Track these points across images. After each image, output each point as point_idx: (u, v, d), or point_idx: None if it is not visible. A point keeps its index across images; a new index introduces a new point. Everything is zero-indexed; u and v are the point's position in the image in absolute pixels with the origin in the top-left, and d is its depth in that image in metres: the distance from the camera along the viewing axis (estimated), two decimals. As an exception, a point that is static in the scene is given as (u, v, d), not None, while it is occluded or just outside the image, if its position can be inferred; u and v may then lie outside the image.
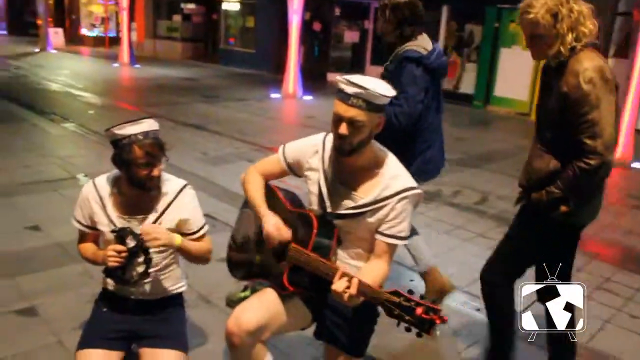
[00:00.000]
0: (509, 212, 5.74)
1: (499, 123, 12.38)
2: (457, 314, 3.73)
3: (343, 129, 2.14)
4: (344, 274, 2.07)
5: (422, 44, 3.44)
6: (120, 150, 2.49)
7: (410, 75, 3.34)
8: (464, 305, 3.87)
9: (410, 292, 1.97)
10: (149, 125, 2.52)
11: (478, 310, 3.79)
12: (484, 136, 10.67)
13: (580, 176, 2.47)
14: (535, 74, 12.59)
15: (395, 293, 1.96)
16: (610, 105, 2.44)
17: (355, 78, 2.14)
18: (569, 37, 2.48)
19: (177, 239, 2.59)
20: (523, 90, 13.05)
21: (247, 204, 2.61)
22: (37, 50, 22.83)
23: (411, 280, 4.18)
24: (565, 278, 2.68)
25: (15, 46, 24.03)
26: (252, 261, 2.52)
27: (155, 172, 2.54)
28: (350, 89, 2.11)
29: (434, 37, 15.20)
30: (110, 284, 2.73)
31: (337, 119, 2.16)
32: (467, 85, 14.34)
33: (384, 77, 3.41)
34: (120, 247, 2.48)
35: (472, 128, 11.39)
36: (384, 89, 2.13)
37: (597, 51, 2.54)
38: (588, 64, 2.44)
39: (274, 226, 2.29)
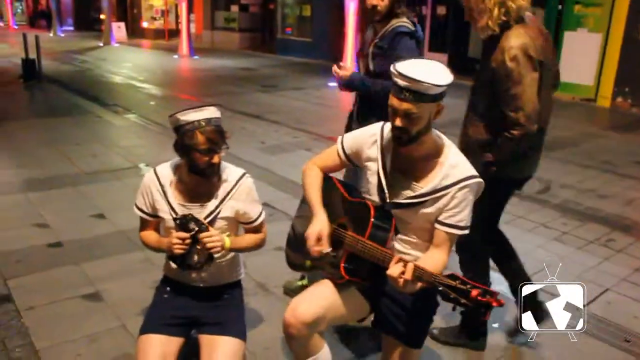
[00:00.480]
0: (573, 202, 5.66)
1: (563, 110, 11.89)
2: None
3: (399, 121, 2.12)
4: (399, 260, 2.05)
5: (407, 20, 3.45)
6: (183, 136, 2.53)
7: (406, 47, 3.34)
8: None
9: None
10: (211, 112, 2.56)
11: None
12: (547, 123, 10.27)
13: (507, 145, 2.73)
14: (602, 58, 12.09)
15: (452, 276, 1.93)
16: (532, 80, 2.63)
17: (406, 68, 2.07)
18: (496, 12, 2.63)
19: (227, 243, 2.62)
20: (588, 75, 12.50)
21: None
22: (101, 44, 23.56)
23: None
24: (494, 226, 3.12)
25: (81, 41, 24.88)
26: (304, 264, 2.55)
27: (216, 159, 2.56)
28: (401, 82, 2.07)
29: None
30: (172, 271, 2.79)
31: (393, 112, 2.14)
32: (529, 71, 13.87)
33: (376, 55, 3.43)
34: (184, 235, 2.52)
35: (534, 115, 11.00)
36: (435, 78, 2.06)
37: (529, 26, 2.70)
38: (514, 42, 2.62)
39: (318, 232, 2.30)
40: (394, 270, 2.03)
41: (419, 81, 2.03)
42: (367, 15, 3.52)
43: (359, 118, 3.56)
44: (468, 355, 3.14)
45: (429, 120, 2.15)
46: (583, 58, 12.51)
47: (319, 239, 2.29)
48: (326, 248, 2.29)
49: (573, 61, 12.73)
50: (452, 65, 15.93)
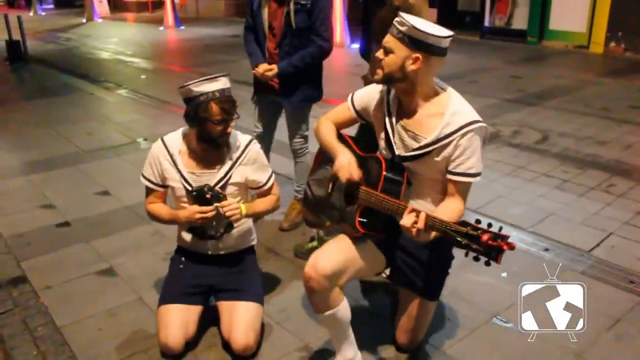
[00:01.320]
0: (572, 150, 5.70)
1: (556, 58, 11.89)
2: (524, 254, 3.69)
3: (379, 52, 2.21)
4: (412, 210, 2.07)
5: None
6: (196, 107, 2.54)
7: (328, 2, 3.67)
8: (532, 247, 3.81)
9: (478, 221, 1.95)
10: (224, 82, 2.59)
11: (546, 250, 3.75)
12: (540, 73, 10.23)
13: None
14: (593, 3, 11.97)
15: (462, 223, 1.95)
16: (429, 14, 3.05)
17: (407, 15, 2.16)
18: None
19: (243, 209, 2.67)
20: (581, 22, 12.39)
21: (319, 155, 2.69)
22: (84, 20, 23.14)
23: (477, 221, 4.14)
24: None
25: (63, 19, 24.42)
26: (323, 224, 2.62)
27: (229, 129, 2.61)
28: (395, 20, 2.19)
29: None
30: (186, 241, 2.84)
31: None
32: (520, 21, 13.64)
33: (297, 11, 3.59)
34: (207, 208, 2.57)
35: (527, 65, 10.96)
36: (420, 25, 2.12)
37: None
38: None
39: (348, 162, 2.34)
40: (406, 220, 2.05)
41: (402, 17, 2.14)
42: None
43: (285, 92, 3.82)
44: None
45: (403, 67, 2.17)
46: (574, 4, 12.42)
47: (350, 165, 2.35)
48: (360, 174, 2.35)
49: (564, 8, 12.64)
50: (443, 19, 15.79)
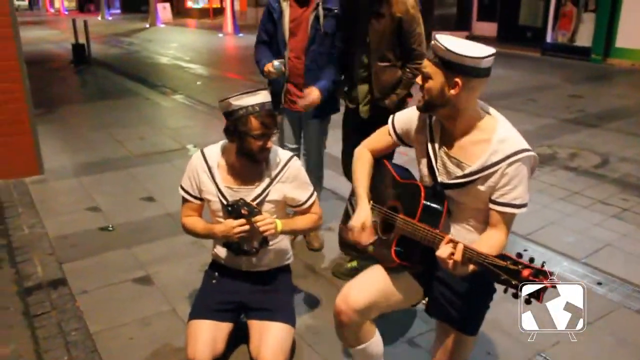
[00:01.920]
0: (634, 177, 5.42)
1: (621, 77, 11.42)
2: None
3: (419, 78, 2.14)
4: (449, 240, 1.98)
5: None
6: (236, 121, 2.50)
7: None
8: (584, 279, 3.60)
9: (519, 255, 1.83)
10: (264, 96, 2.53)
11: (599, 284, 3.54)
12: (603, 92, 9.89)
13: (416, 74, 3.34)
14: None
15: (502, 257, 1.84)
16: (422, 22, 3.49)
17: (442, 36, 2.07)
18: None
19: (278, 225, 2.60)
20: (649, 40, 11.90)
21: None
22: (147, 25, 23.85)
23: (525, 250, 3.93)
24: None
25: (128, 23, 25.25)
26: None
27: (269, 145, 2.55)
28: (432, 43, 2.09)
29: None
30: (221, 256, 2.80)
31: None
32: (584, 38, 13.17)
33: (325, 16, 3.64)
34: (242, 221, 2.52)
35: (589, 84, 10.55)
36: (456, 47, 2.00)
37: None
38: None
39: (362, 222, 2.29)
40: (443, 251, 1.96)
41: (437, 40, 2.05)
42: None
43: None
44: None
45: (443, 92, 2.07)
46: (643, 22, 11.90)
47: (362, 229, 2.28)
48: (370, 239, 2.28)
49: (633, 25, 12.11)
50: (502, 34, 15.49)
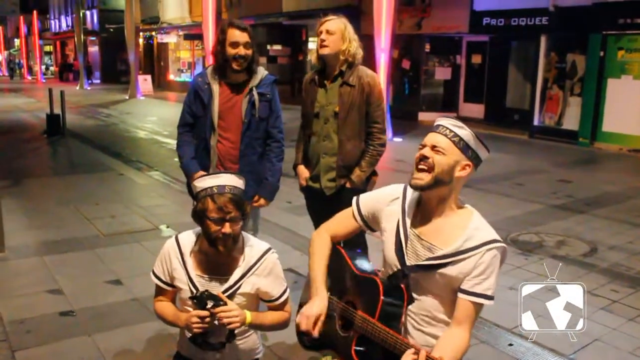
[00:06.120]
0: (623, 266, 5.27)
1: (609, 162, 11.52)
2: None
3: (426, 151, 2.10)
4: (414, 351, 1.92)
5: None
6: (197, 202, 2.45)
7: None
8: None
9: None
10: (227, 179, 2.45)
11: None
12: (591, 177, 9.91)
13: (379, 150, 3.67)
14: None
15: None
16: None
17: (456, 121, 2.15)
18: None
19: (248, 317, 2.46)
20: (635, 125, 12.02)
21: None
22: (127, 97, 24.06)
23: (510, 345, 3.79)
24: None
25: (107, 94, 25.50)
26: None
27: (227, 229, 2.40)
28: (443, 121, 2.13)
29: (533, 70, 14.36)
30: (186, 348, 2.62)
31: (422, 146, 2.14)
32: (571, 121, 13.33)
33: (260, 101, 3.66)
34: (203, 313, 2.37)
35: (577, 168, 10.61)
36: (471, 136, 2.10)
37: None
38: (371, 72, 3.68)
39: (317, 314, 2.21)
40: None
41: (463, 125, 2.10)
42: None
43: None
44: None
45: (451, 174, 2.09)
46: (629, 107, 12.15)
47: (315, 323, 2.19)
48: (316, 334, 2.20)
49: (618, 110, 12.37)
50: (489, 116, 15.73)
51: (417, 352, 1.89)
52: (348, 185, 3.69)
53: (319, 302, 2.22)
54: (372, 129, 3.64)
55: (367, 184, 3.72)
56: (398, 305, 2.12)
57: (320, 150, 3.71)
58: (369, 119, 3.62)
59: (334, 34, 3.55)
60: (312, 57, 3.72)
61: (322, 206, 3.70)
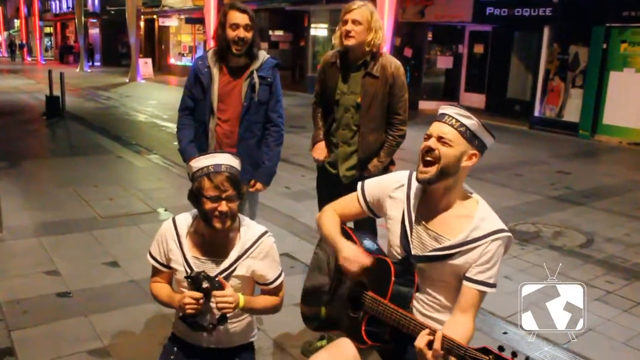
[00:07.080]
0: (619, 258, 5.29)
1: (608, 154, 11.53)
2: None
3: (431, 142, 2.08)
4: (427, 328, 1.94)
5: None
6: (193, 182, 2.46)
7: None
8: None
9: (501, 348, 1.79)
10: (223, 159, 2.46)
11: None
12: (590, 169, 9.93)
13: (399, 141, 3.62)
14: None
15: (484, 350, 1.79)
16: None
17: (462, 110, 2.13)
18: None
19: (240, 301, 2.46)
20: (636, 118, 12.02)
21: (320, 245, 2.55)
22: (127, 80, 23.95)
23: (504, 333, 3.84)
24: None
25: (107, 77, 25.37)
26: (319, 313, 2.45)
27: (223, 208, 2.40)
28: (449, 110, 2.11)
29: (535, 61, 14.33)
30: (181, 330, 2.62)
31: (427, 136, 2.11)
32: (572, 113, 13.31)
33: (260, 84, 3.60)
34: (197, 294, 2.38)
35: (576, 160, 10.62)
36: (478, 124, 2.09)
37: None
38: (395, 61, 3.61)
39: (353, 253, 2.23)
40: (421, 341, 1.91)
41: (470, 115, 2.08)
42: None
43: None
44: None
45: (458, 164, 2.08)
46: (630, 100, 12.11)
47: (357, 256, 2.23)
48: (368, 260, 2.23)
49: (619, 103, 12.32)
50: (490, 106, 15.67)
51: (432, 333, 1.90)
52: (365, 174, 3.60)
53: (347, 247, 2.25)
54: (394, 120, 3.56)
55: (384, 174, 3.63)
56: (409, 288, 2.13)
57: (338, 138, 3.64)
58: (390, 110, 3.53)
59: (361, 24, 3.40)
60: (335, 42, 3.55)
61: (335, 189, 3.57)
